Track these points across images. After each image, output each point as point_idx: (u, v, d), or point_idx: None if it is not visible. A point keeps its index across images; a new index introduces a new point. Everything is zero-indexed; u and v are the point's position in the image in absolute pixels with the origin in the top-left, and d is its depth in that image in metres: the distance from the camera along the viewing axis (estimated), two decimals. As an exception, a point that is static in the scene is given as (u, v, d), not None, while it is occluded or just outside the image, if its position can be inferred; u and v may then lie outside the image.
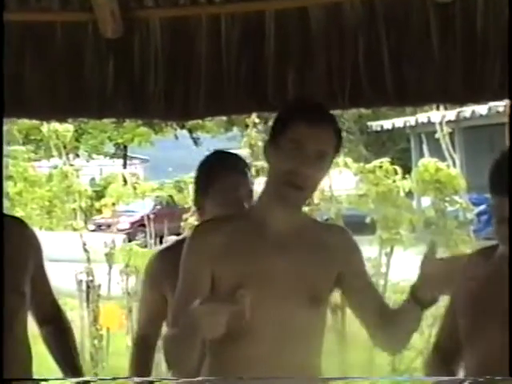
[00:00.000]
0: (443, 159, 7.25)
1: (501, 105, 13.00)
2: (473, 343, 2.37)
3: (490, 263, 2.40)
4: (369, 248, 5.90)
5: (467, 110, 14.51)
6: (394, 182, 7.04)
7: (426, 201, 7.51)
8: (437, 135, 7.58)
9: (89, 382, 2.84)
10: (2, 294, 2.57)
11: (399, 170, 7.10)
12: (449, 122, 8.19)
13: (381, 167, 7.10)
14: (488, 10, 3.11)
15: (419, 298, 2.28)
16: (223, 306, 2.07)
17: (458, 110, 13.45)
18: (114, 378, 2.92)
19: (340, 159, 6.99)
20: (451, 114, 12.85)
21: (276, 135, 2.34)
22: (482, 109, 14.25)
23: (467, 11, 3.14)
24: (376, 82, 3.25)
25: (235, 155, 3.07)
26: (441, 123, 7.54)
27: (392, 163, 7.21)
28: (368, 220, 6.99)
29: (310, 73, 3.32)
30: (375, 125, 18.91)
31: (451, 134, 7.92)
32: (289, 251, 2.34)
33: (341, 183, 7.22)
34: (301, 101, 2.56)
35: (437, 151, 7.71)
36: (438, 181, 6.85)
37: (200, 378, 2.28)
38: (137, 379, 2.70)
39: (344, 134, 2.37)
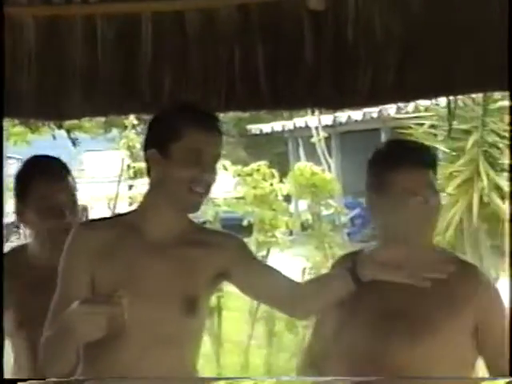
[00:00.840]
0: (319, 163, 7.40)
1: (374, 111, 13.37)
2: (340, 346, 2.41)
3: None
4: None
5: (343, 116, 14.81)
6: (272, 185, 7.13)
7: (304, 204, 7.64)
8: (313, 139, 7.74)
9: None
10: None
11: (276, 173, 7.20)
12: (325, 126, 8.35)
13: (258, 170, 7.18)
14: (359, 18, 3.18)
15: (357, 272, 2.20)
16: (100, 307, 2.05)
17: (335, 115, 13.72)
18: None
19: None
20: (327, 119, 13.11)
21: (166, 144, 2.29)
22: (357, 114, 14.58)
23: (339, 19, 3.19)
24: (251, 87, 3.28)
25: (53, 160, 2.94)
26: (317, 128, 7.70)
27: (270, 166, 7.30)
28: (245, 222, 7.05)
29: (186, 75, 3.32)
30: (254, 128, 19.05)
31: (327, 139, 8.09)
32: (167, 257, 2.32)
33: (218, 186, 7.24)
34: (189, 107, 2.44)
35: (313, 155, 7.86)
36: (314, 185, 6.98)
37: (73, 378, 2.25)
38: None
39: (223, 137, 2.38)
